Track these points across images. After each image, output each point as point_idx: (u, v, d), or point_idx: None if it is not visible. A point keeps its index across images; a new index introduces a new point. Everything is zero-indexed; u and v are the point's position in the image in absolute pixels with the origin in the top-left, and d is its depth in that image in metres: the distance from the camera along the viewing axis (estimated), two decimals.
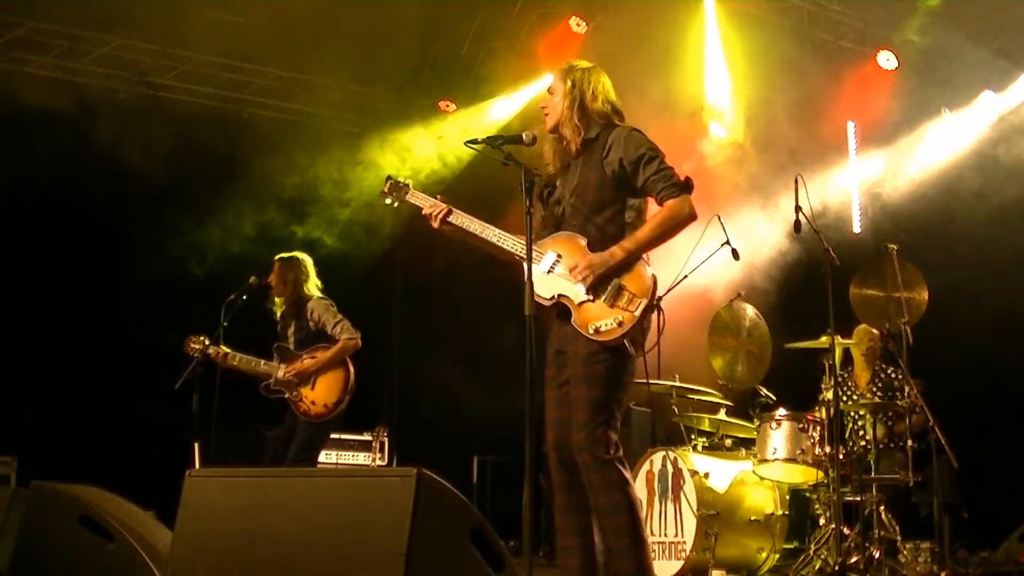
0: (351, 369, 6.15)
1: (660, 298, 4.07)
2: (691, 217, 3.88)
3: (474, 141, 3.94)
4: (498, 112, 9.22)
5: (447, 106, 9.35)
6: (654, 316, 3.90)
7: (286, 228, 8.41)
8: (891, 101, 8.59)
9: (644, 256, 3.88)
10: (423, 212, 4.18)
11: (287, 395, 6.12)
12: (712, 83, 8.60)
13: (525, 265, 3.72)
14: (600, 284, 3.82)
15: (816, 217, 5.85)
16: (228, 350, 6.12)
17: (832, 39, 8.78)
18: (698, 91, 8.56)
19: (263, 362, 6.18)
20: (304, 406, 6.09)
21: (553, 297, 3.89)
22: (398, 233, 9.32)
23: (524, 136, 3.99)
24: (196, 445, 6.13)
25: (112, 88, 8.77)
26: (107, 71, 8.74)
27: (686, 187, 3.87)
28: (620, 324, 3.76)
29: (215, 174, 8.54)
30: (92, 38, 8.50)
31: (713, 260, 6.56)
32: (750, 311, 6.77)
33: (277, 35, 8.15)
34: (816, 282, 5.99)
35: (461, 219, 4.10)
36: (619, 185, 3.92)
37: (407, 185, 4.31)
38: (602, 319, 3.79)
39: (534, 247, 3.87)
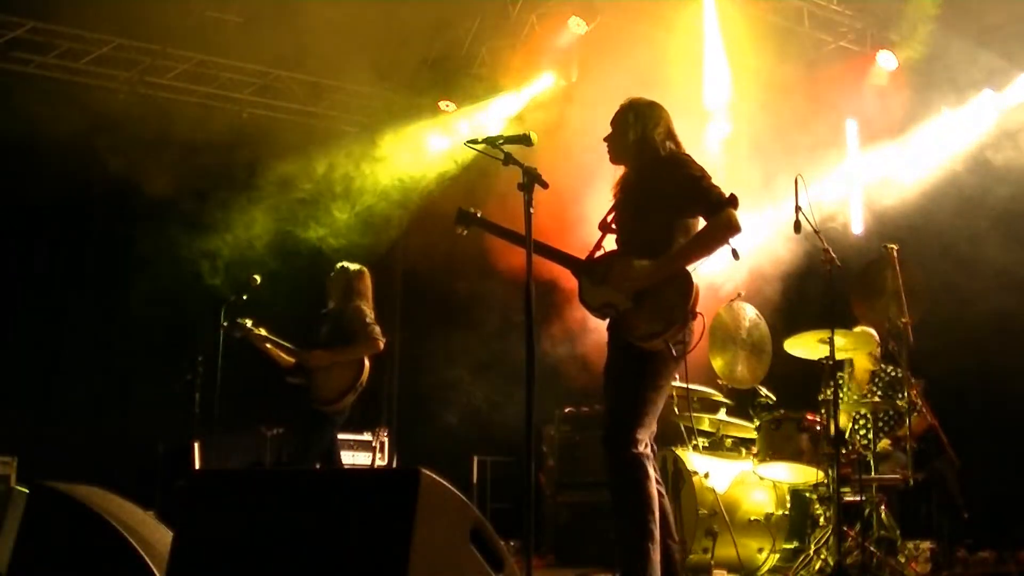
0: (366, 366, 6.41)
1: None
2: (735, 230, 4.14)
3: (474, 141, 4.01)
4: (498, 112, 9.22)
5: (447, 106, 9.35)
6: (696, 323, 4.14)
7: (286, 227, 8.41)
8: (891, 101, 8.59)
9: (692, 267, 4.13)
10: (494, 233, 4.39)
11: (300, 380, 6.37)
12: (712, 83, 8.59)
13: (526, 264, 3.80)
14: (644, 292, 4.08)
15: (816, 217, 5.85)
16: (266, 332, 6.44)
17: (832, 39, 8.78)
18: (698, 91, 8.55)
19: (294, 348, 6.46)
20: (315, 392, 6.34)
21: (599, 305, 4.19)
22: (398, 233, 9.32)
23: (529, 135, 4.04)
24: (196, 445, 6.16)
25: (112, 88, 8.76)
26: (107, 71, 8.74)
27: (730, 203, 4.12)
28: (661, 331, 4.01)
29: (214, 173, 8.53)
30: (92, 38, 8.50)
31: (713, 260, 6.55)
32: (750, 311, 6.76)
33: (277, 35, 8.15)
34: (816, 282, 5.99)
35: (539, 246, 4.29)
36: (667, 206, 4.18)
37: (475, 214, 4.49)
38: (644, 326, 4.05)
39: (589, 261, 4.24)
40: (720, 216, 4.09)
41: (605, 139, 4.43)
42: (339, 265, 6.73)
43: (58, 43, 8.46)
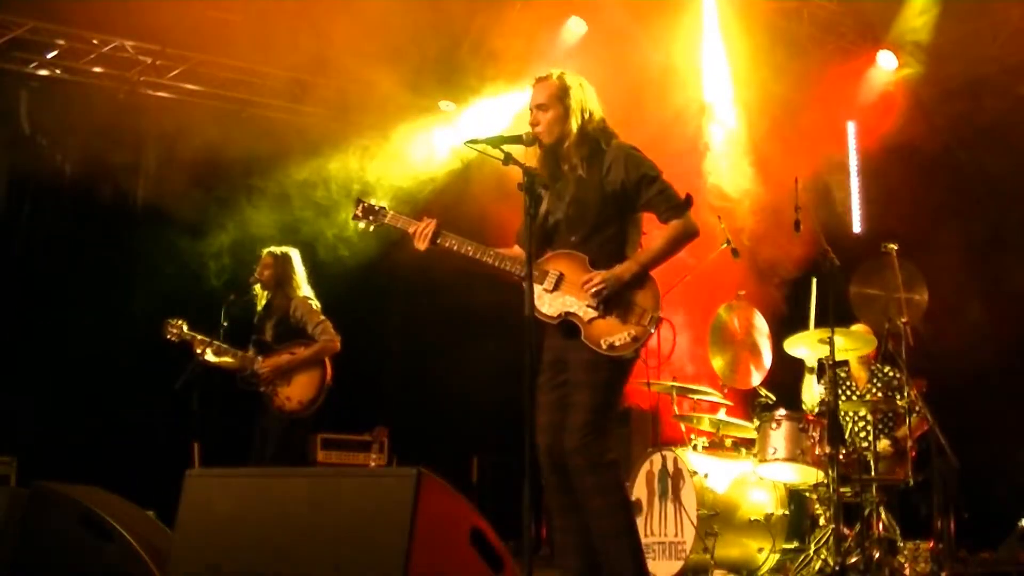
0: (328, 369, 6.15)
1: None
2: (693, 234, 4.05)
3: (474, 141, 3.95)
4: (498, 112, 9.20)
5: (447, 106, 9.34)
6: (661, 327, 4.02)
7: (286, 227, 8.39)
8: (891, 100, 8.59)
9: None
10: (409, 232, 4.18)
11: (262, 388, 6.09)
12: (711, 83, 8.59)
13: (526, 266, 3.74)
14: (611, 299, 3.90)
15: (816, 217, 5.86)
16: (205, 337, 6.09)
17: (832, 39, 8.78)
18: (697, 92, 8.56)
19: (240, 353, 6.15)
20: (279, 401, 6.07)
21: (560, 315, 3.95)
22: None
23: (524, 136, 4.02)
24: (196, 445, 6.13)
25: (112, 88, 8.76)
26: (107, 71, 8.73)
27: (687, 205, 4.01)
28: (635, 339, 3.88)
29: (214, 173, 8.52)
30: (92, 38, 8.49)
31: (713, 259, 6.57)
32: (750, 311, 6.78)
33: (276, 35, 8.14)
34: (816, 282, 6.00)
35: (451, 241, 4.11)
36: (619, 203, 4.02)
37: (383, 208, 4.31)
38: (615, 334, 3.88)
39: (536, 266, 3.94)
40: (681, 222, 3.97)
41: (532, 123, 4.07)
42: (265, 251, 6.34)
43: (58, 43, 8.46)
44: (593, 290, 3.88)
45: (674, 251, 4.02)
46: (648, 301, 3.91)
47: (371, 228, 4.34)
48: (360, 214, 4.33)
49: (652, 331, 3.90)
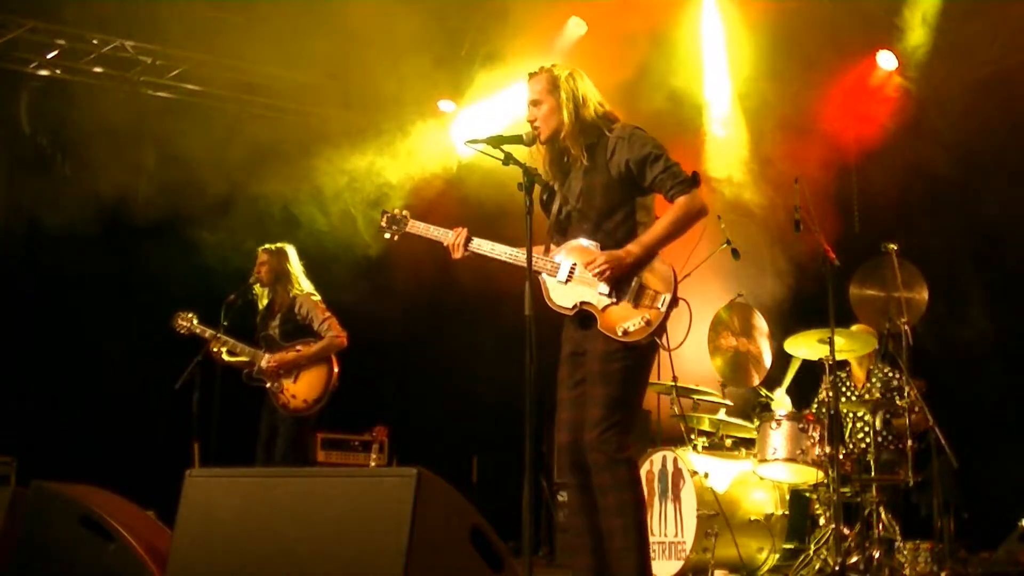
0: (335, 368, 6.17)
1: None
2: (702, 212, 3.95)
3: (475, 141, 3.95)
4: (498, 112, 9.20)
5: (447, 106, 9.34)
6: (678, 309, 3.92)
7: (286, 227, 8.39)
8: (891, 100, 8.59)
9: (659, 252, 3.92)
10: (444, 244, 4.19)
11: (268, 385, 6.12)
12: (711, 83, 8.59)
13: (526, 264, 3.74)
14: (621, 284, 3.86)
15: (816, 217, 5.86)
16: (214, 331, 6.13)
17: (832, 39, 8.77)
18: (697, 92, 8.56)
19: (250, 349, 6.18)
20: (284, 399, 6.09)
21: (575, 306, 3.93)
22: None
23: (524, 136, 4.02)
24: (196, 445, 6.14)
25: (112, 88, 8.76)
26: (107, 71, 8.74)
27: (694, 182, 3.91)
28: (648, 323, 3.82)
29: (213, 173, 8.52)
30: (92, 38, 8.49)
31: (713, 259, 6.57)
32: (750, 311, 6.78)
33: (276, 35, 8.14)
34: (816, 282, 6.01)
35: (480, 245, 4.13)
36: (627, 186, 3.96)
37: (405, 216, 4.34)
38: (629, 319, 3.83)
39: (548, 259, 3.98)
40: (687, 198, 3.88)
41: (529, 120, 4.05)
42: (261, 248, 6.37)
43: (58, 43, 8.46)
44: (597, 271, 3.84)
45: (681, 230, 3.92)
46: (660, 284, 3.85)
47: (395, 238, 4.36)
48: (384, 225, 4.37)
49: (665, 312, 3.82)
